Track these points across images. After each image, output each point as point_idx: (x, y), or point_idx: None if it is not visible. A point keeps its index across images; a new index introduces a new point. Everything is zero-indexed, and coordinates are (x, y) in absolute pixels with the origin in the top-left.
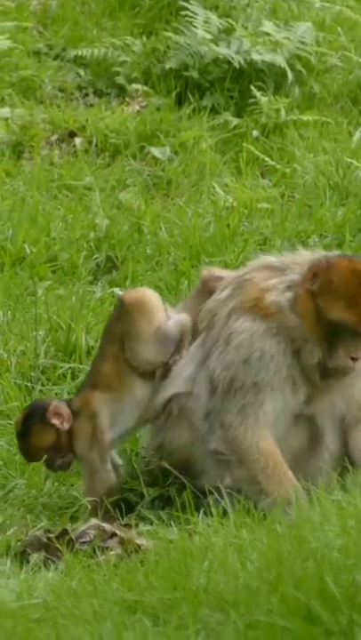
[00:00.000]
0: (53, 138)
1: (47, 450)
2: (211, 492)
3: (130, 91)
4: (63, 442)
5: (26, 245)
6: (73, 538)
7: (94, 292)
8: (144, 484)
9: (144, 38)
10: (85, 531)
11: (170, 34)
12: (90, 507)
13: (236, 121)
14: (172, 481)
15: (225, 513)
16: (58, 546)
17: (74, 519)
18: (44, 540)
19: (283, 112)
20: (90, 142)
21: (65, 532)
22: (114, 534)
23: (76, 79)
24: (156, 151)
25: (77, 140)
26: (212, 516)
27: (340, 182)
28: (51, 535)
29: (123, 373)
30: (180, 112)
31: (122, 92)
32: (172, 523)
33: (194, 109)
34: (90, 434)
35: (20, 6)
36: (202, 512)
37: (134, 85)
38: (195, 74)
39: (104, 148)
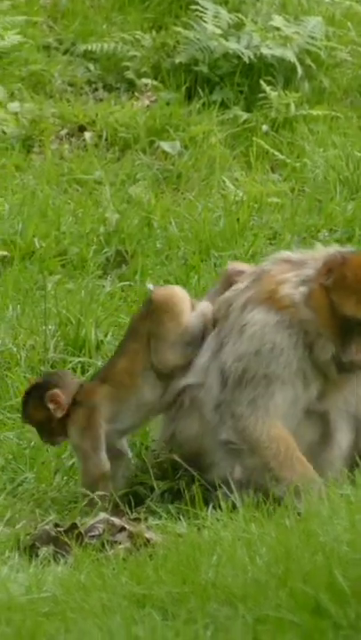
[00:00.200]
0: (63, 132)
1: (38, 424)
2: (220, 486)
3: (139, 85)
4: (56, 425)
5: (36, 239)
6: (82, 532)
7: (104, 286)
8: (154, 477)
9: (154, 33)
10: (94, 525)
11: (180, 28)
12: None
13: (245, 115)
14: (181, 474)
15: (234, 507)
16: (67, 540)
17: (83, 513)
18: (54, 533)
19: (292, 106)
20: (100, 137)
21: (74, 525)
22: (123, 528)
23: (86, 74)
24: (165, 145)
25: (87, 135)
26: (221, 510)
27: (350, 177)
28: (60, 529)
29: (135, 372)
30: (190, 106)
31: (131, 86)
32: (182, 517)
33: (203, 104)
34: (84, 425)
35: (30, 1)
36: (211, 506)
37: (144, 80)
38: (204, 68)
39: (114, 142)
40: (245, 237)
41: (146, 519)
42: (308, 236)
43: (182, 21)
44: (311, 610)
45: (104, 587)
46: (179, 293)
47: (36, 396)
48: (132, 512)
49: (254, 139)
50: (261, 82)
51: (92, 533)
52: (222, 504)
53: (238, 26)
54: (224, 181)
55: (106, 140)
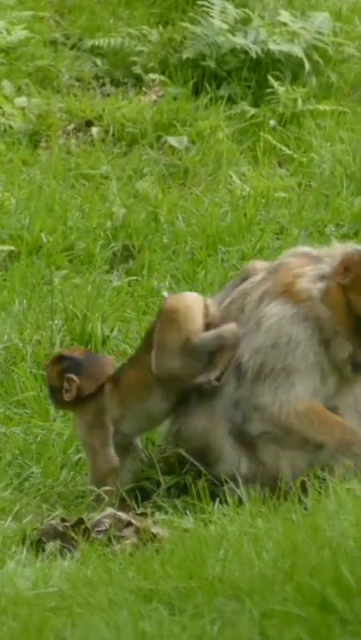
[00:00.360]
0: (70, 127)
1: (52, 388)
2: (226, 481)
3: (147, 80)
4: (66, 402)
5: (42, 234)
6: (89, 527)
7: (111, 281)
8: (160, 472)
9: (161, 28)
10: (101, 520)
11: (187, 24)
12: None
13: (253, 110)
14: (188, 469)
15: (240, 502)
16: (73, 535)
17: (90, 508)
18: (60, 528)
19: (300, 102)
20: (107, 132)
21: (81, 520)
22: (129, 523)
23: (93, 69)
24: (172, 140)
25: (94, 130)
26: (227, 504)
27: (357, 172)
28: (66, 524)
29: (146, 385)
30: (197, 102)
31: (139, 81)
32: (188, 511)
33: (211, 99)
34: (93, 423)
35: None
36: (217, 501)
37: (151, 75)
38: (212, 64)
39: (121, 137)
40: (252, 232)
41: (152, 514)
42: (315, 231)
43: (189, 16)
44: (318, 605)
45: (111, 581)
46: (189, 302)
47: (63, 366)
48: (138, 507)
49: (261, 134)
50: (269, 77)
51: (99, 528)
52: (229, 499)
53: (245, 21)
54: (231, 176)
55: (113, 135)
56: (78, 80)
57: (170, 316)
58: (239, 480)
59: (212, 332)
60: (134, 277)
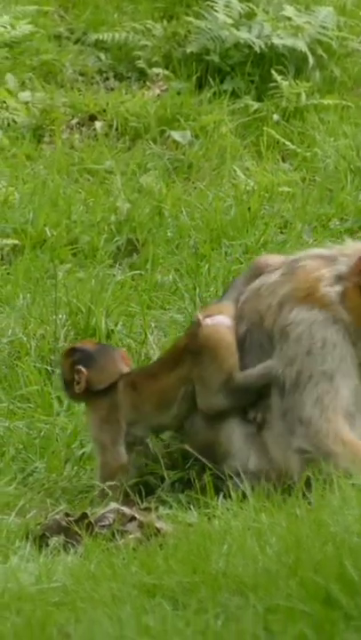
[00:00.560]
0: (74, 121)
1: (64, 379)
2: (230, 477)
3: (150, 75)
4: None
5: (46, 228)
6: (92, 521)
7: (114, 275)
8: (164, 466)
9: (165, 22)
10: (105, 514)
11: (191, 18)
12: (104, 490)
13: (256, 105)
14: (192, 463)
15: (244, 497)
16: (77, 529)
17: (93, 503)
18: (64, 523)
19: (303, 96)
20: (110, 126)
21: (84, 515)
22: (133, 518)
23: (97, 63)
24: (176, 135)
25: (98, 124)
26: (231, 499)
27: None
28: (70, 519)
29: (168, 400)
30: (201, 96)
31: (142, 75)
32: (192, 506)
33: (214, 93)
34: (105, 419)
35: None
36: (221, 496)
37: (155, 69)
38: (215, 58)
39: (124, 131)
40: (256, 226)
41: (156, 509)
42: (318, 226)
43: (193, 11)
44: (322, 600)
45: (114, 576)
46: (226, 334)
47: (74, 358)
48: (142, 502)
49: (265, 128)
50: (272, 71)
51: (103, 523)
52: (233, 494)
53: (249, 15)
54: (235, 171)
55: (116, 129)
56: (82, 74)
57: (210, 353)
58: (242, 476)
59: (256, 370)
60: (138, 271)
